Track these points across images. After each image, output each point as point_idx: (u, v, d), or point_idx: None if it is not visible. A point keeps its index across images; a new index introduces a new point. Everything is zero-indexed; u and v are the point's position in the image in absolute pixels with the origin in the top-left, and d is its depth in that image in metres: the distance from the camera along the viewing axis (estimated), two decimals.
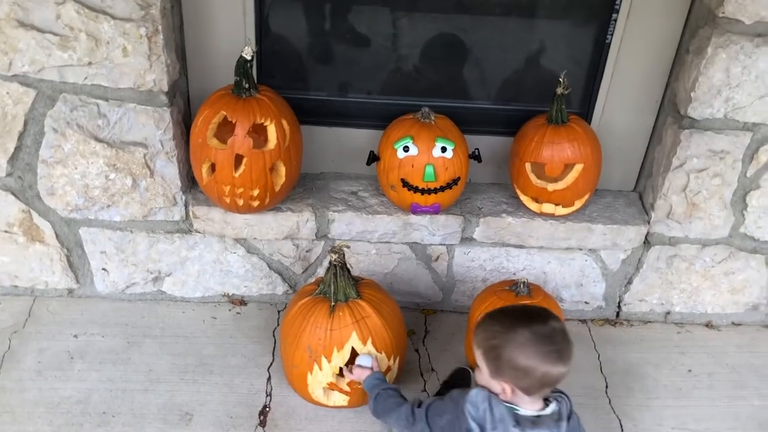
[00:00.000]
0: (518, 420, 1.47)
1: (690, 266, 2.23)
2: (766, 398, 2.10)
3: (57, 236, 2.12)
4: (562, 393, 1.54)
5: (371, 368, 1.83)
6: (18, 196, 2.04)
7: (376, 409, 1.75)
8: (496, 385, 1.48)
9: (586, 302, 2.32)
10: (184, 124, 2.04)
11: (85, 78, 1.85)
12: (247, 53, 1.83)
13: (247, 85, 1.87)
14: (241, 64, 1.85)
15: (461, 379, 2.01)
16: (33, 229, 2.11)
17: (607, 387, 2.10)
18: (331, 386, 1.89)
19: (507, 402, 1.49)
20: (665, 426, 2.00)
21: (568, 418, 1.51)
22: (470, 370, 2.00)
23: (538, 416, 1.49)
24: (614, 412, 2.02)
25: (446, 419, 1.55)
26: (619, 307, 2.33)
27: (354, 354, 1.85)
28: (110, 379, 2.01)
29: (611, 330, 2.32)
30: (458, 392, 1.56)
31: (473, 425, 1.48)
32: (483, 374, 1.51)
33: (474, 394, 1.50)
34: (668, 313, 2.34)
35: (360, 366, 1.83)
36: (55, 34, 1.77)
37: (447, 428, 1.55)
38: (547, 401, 1.51)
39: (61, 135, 1.93)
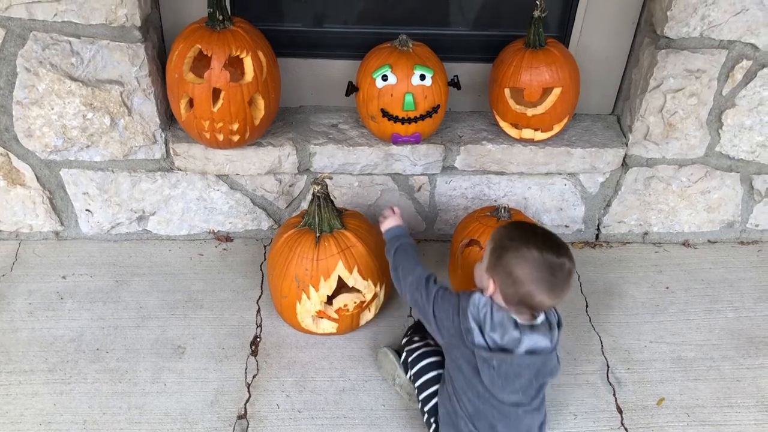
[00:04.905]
0: (517, 324, 1.54)
1: (667, 186, 2.27)
2: (739, 310, 2.18)
3: (38, 179, 2.11)
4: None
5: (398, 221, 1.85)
6: None
7: (396, 259, 1.78)
8: (486, 279, 1.55)
9: (566, 226, 2.36)
10: (159, 60, 2.01)
11: (55, 15, 1.81)
12: None
13: (221, 17, 1.85)
14: None
15: None
16: (13, 173, 2.09)
17: (587, 306, 2.17)
18: (320, 314, 1.94)
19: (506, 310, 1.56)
20: (643, 340, 2.07)
21: (559, 326, 1.60)
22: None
23: (532, 325, 1.56)
24: (594, 329, 2.09)
25: (447, 310, 1.62)
26: (598, 229, 2.38)
27: (341, 284, 1.89)
28: (101, 317, 2.04)
29: (591, 252, 2.37)
30: (464, 292, 1.62)
31: (473, 325, 1.55)
32: (482, 265, 1.59)
33: (477, 297, 1.57)
34: (646, 233, 2.40)
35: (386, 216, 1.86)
36: None
37: (443, 316, 1.62)
38: (534, 316, 1.57)
39: (34, 75, 1.90)
